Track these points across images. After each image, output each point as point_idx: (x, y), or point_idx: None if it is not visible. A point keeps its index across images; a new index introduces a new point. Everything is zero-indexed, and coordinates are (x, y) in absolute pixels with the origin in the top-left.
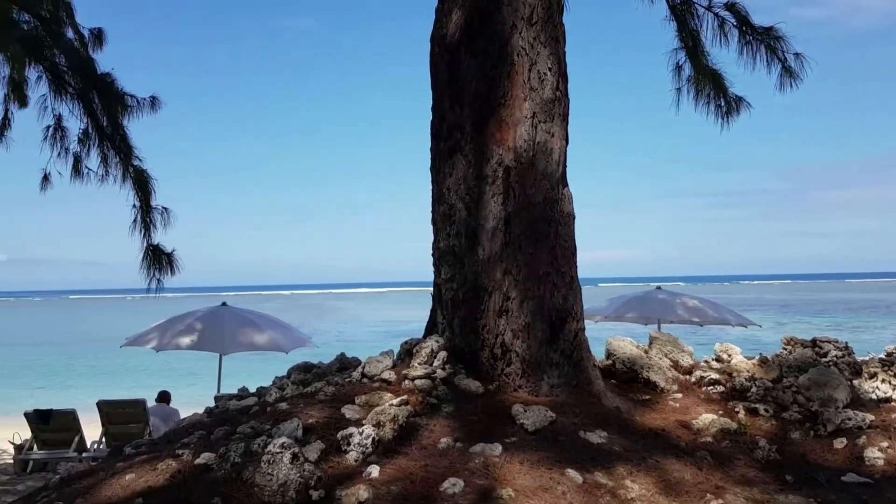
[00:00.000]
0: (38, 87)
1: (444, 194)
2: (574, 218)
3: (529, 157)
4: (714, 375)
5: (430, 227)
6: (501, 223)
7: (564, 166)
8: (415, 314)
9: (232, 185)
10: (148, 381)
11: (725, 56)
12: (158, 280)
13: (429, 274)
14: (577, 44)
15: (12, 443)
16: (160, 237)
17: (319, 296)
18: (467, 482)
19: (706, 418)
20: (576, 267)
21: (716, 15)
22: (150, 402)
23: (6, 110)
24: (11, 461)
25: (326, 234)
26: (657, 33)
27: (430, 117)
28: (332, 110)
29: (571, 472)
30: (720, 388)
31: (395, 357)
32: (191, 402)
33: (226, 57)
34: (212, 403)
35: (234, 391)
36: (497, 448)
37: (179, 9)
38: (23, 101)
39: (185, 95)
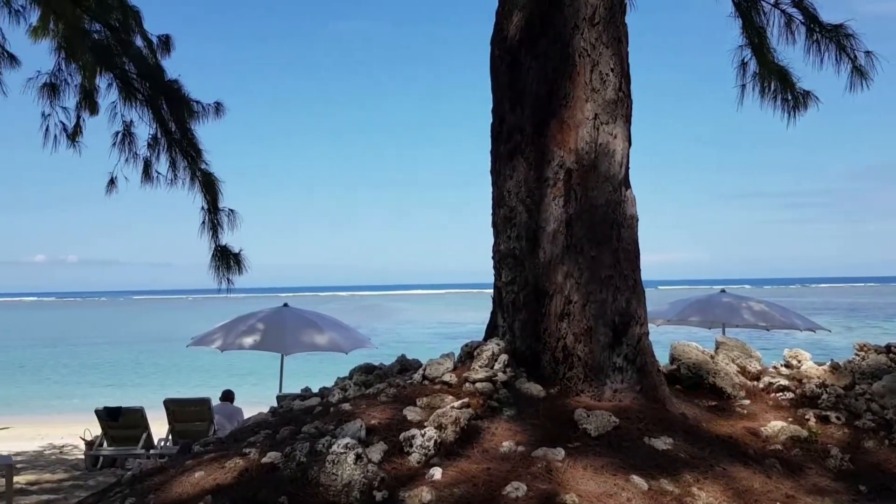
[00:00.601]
0: (108, 95)
1: (505, 197)
2: (637, 220)
3: (591, 158)
4: (783, 382)
5: (489, 229)
6: (563, 226)
7: (627, 168)
8: (471, 316)
9: (288, 187)
10: (210, 379)
11: (791, 54)
12: (228, 280)
13: (485, 276)
14: (643, 43)
15: (83, 439)
16: (227, 238)
17: (377, 297)
18: (530, 486)
19: (775, 425)
20: (639, 270)
21: (783, 12)
22: (215, 401)
23: (78, 117)
24: (83, 457)
25: (384, 235)
26: (722, 30)
27: (490, 120)
28: (390, 112)
29: (636, 479)
30: (790, 395)
31: (455, 359)
32: (252, 401)
33: (282, 58)
34: (273, 402)
35: (295, 391)
36: (560, 452)
37: (239, 12)
38: (93, 109)
39: (244, 97)
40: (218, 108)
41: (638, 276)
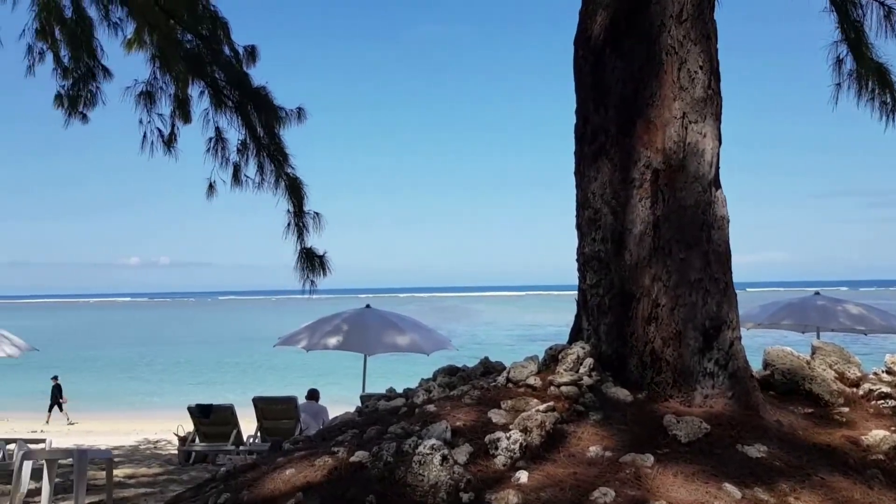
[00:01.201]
0: (200, 102)
1: (589, 198)
2: (728, 221)
3: (679, 158)
4: (885, 389)
5: (568, 231)
6: (650, 227)
7: (717, 167)
8: (550, 318)
9: (365, 188)
10: (291, 378)
11: (892, 49)
12: (312, 282)
13: (566, 277)
14: (732, 38)
15: (177, 435)
16: (312, 240)
17: (455, 298)
18: (618, 492)
19: (877, 434)
20: (730, 273)
21: (881, 4)
22: (300, 400)
23: (173, 125)
24: (176, 452)
25: (462, 236)
26: (816, 23)
27: (573, 121)
28: (472, 114)
29: (729, 487)
30: (892, 403)
31: (539, 362)
32: (334, 400)
33: (366, 62)
34: (356, 402)
35: (375, 390)
36: (649, 458)
37: (323, 17)
38: (187, 118)
39: (323, 99)
40: (300, 113)
41: (729, 279)
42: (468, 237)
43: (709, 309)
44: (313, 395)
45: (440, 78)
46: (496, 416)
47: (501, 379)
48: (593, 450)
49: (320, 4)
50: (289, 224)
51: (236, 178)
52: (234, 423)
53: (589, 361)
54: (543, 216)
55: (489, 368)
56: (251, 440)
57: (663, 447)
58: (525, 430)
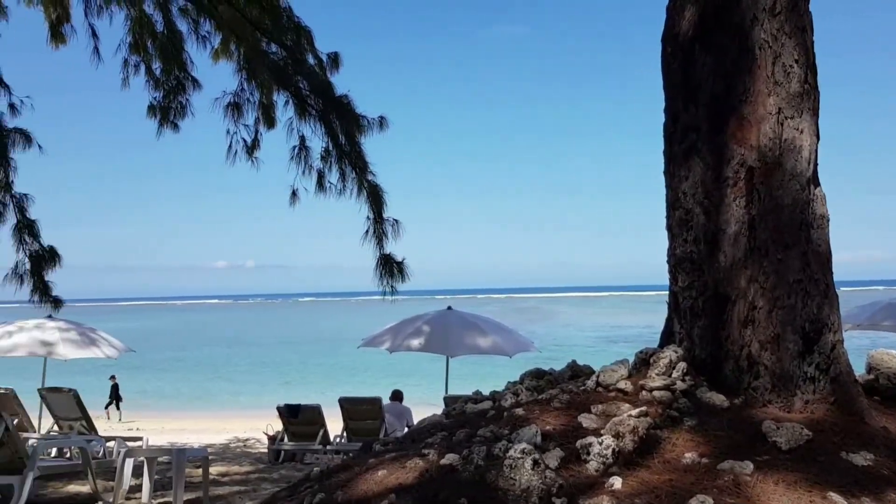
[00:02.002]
0: (285, 112)
1: (680, 198)
2: (828, 220)
3: (775, 155)
4: None
5: (652, 231)
6: (745, 227)
7: (815, 164)
8: (630, 319)
9: (440, 190)
10: (373, 379)
11: None
12: (391, 287)
13: (646, 278)
14: (830, 31)
15: (266, 434)
16: (390, 246)
17: (533, 299)
18: (717, 500)
19: None
20: (831, 274)
21: None
22: (384, 400)
23: (256, 132)
24: (265, 450)
25: (541, 238)
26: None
27: (660, 119)
28: (551, 115)
29: (834, 496)
30: None
31: (630, 366)
32: (416, 401)
33: (435, 65)
34: (437, 402)
35: (457, 392)
36: (748, 466)
37: (393, 21)
38: (271, 123)
39: (396, 100)
40: (382, 121)
41: (830, 280)
42: (547, 238)
43: (808, 311)
44: (397, 395)
45: (516, 79)
46: (587, 420)
47: (591, 383)
48: (689, 456)
49: (389, 5)
50: (368, 231)
51: (320, 184)
52: (321, 422)
53: (682, 365)
54: (624, 217)
55: (577, 372)
56: (337, 440)
57: (763, 454)
58: (617, 436)
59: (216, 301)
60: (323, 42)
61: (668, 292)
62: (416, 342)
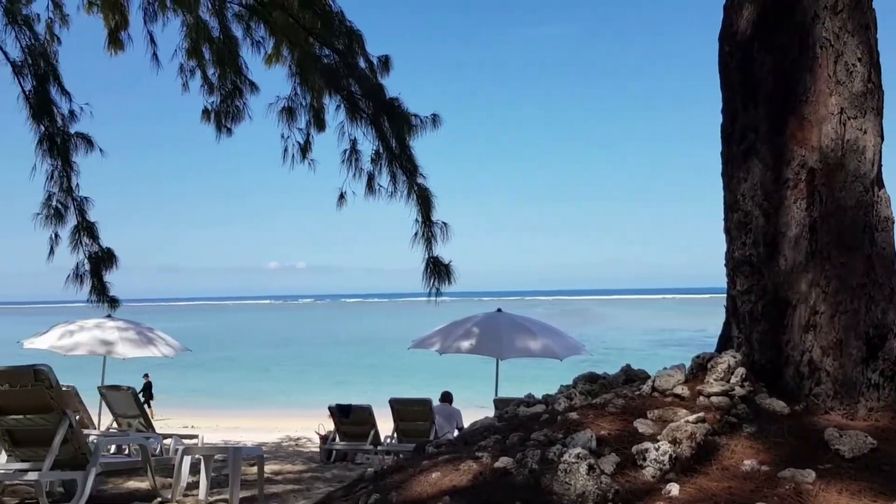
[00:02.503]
0: (336, 115)
1: (739, 201)
2: (893, 223)
3: (837, 157)
4: None
5: (705, 234)
6: (806, 230)
7: (879, 166)
8: (682, 322)
9: (491, 192)
10: (421, 380)
11: None
12: (438, 290)
13: (698, 281)
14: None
15: (318, 433)
16: (438, 249)
17: (581, 301)
18: None
19: None
20: None
21: None
22: (434, 402)
23: (308, 135)
24: (317, 450)
25: (591, 240)
26: None
27: (718, 120)
28: (599, 115)
29: None
30: None
31: (686, 371)
32: (464, 403)
33: (474, 66)
34: (485, 404)
35: (506, 395)
36: (810, 474)
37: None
38: (321, 126)
39: (438, 101)
40: (434, 119)
41: (895, 284)
42: (596, 240)
43: (873, 316)
44: (447, 397)
45: (563, 79)
46: (642, 426)
47: (646, 388)
48: (748, 463)
49: (433, 7)
50: (416, 233)
51: (370, 187)
52: (372, 423)
53: (741, 371)
54: (676, 220)
55: (631, 376)
56: (388, 440)
57: (825, 462)
58: (674, 442)
59: (268, 301)
60: (371, 43)
61: (724, 296)
62: (466, 344)
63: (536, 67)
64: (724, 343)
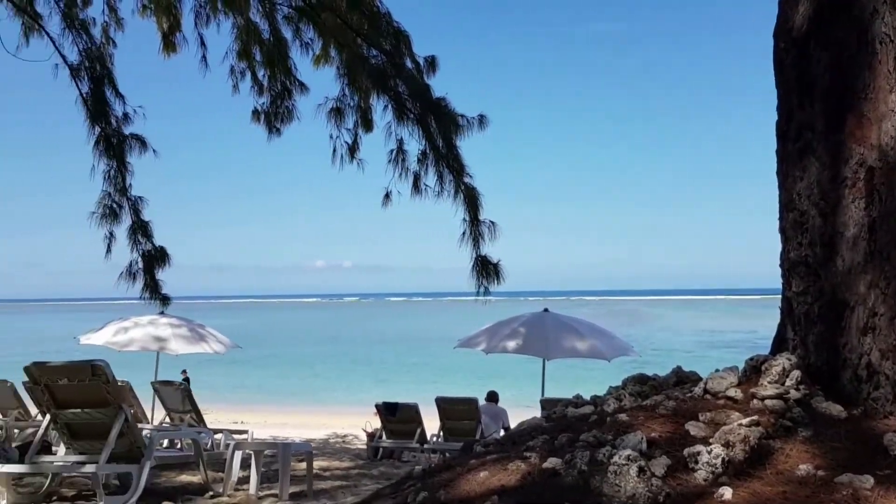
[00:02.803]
0: (384, 115)
1: (795, 200)
2: None
3: None
4: None
5: (754, 234)
6: (864, 230)
7: None
8: (731, 323)
9: (539, 191)
10: (467, 379)
11: None
12: (486, 288)
13: (746, 281)
14: None
15: (365, 431)
16: (486, 248)
17: (630, 302)
18: None
19: None
20: None
21: None
22: (480, 401)
23: (356, 135)
24: (363, 447)
25: (638, 241)
26: None
27: (773, 118)
28: (647, 114)
29: None
30: None
31: (739, 373)
32: (509, 403)
33: (524, 64)
34: (531, 404)
35: (551, 395)
36: (868, 480)
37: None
38: (368, 127)
39: (497, 100)
40: (482, 120)
41: None
42: (643, 240)
43: None
44: (493, 397)
45: (613, 77)
46: (694, 428)
47: (698, 390)
48: (803, 468)
49: (483, 5)
50: (464, 232)
51: (416, 187)
52: (418, 421)
53: (796, 374)
54: (726, 220)
55: (682, 378)
56: (434, 439)
57: (884, 468)
58: (727, 445)
59: (315, 300)
60: (417, 43)
61: (779, 297)
62: (512, 344)
63: (593, 64)
64: (779, 345)
